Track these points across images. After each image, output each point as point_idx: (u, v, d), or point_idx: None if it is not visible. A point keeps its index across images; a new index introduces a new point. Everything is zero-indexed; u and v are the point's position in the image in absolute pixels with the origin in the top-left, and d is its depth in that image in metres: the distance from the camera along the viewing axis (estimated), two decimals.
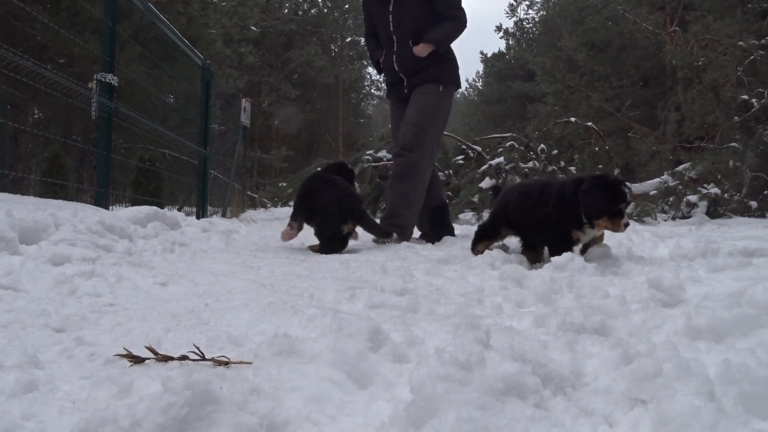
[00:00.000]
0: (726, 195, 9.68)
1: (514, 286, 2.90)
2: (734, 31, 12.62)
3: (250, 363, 1.61)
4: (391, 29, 5.48)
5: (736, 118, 10.75)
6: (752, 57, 11.17)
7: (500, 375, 1.25)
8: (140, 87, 9.78)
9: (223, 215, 10.13)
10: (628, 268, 3.08)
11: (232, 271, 3.54)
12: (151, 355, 1.63)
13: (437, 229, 5.56)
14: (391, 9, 5.45)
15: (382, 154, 11.75)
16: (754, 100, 10.75)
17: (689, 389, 1.24)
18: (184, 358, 1.62)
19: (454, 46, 5.61)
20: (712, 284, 2.44)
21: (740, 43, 11.63)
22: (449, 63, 5.51)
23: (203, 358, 1.61)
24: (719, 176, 9.86)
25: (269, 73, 33.31)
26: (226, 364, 1.59)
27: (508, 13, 38.71)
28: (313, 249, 4.91)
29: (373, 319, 1.89)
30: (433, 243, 5.19)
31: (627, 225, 3.28)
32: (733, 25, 12.75)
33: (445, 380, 1.22)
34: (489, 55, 42.19)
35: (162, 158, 10.85)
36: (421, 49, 5.33)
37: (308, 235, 5.15)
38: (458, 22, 5.36)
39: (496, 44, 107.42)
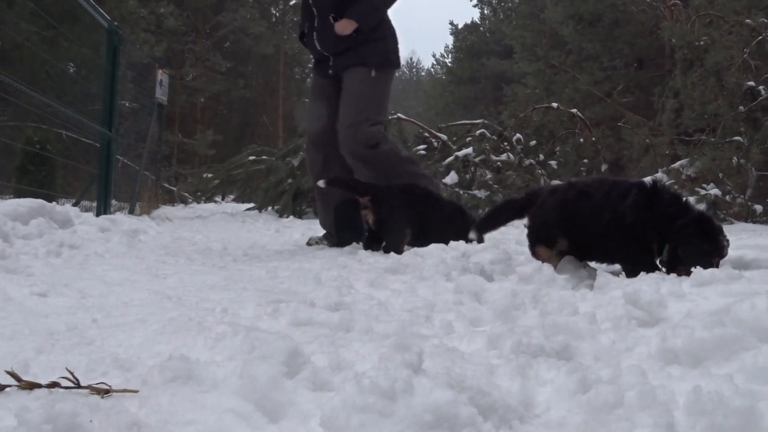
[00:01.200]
0: (728, 197, 9.95)
1: (471, 300, 2.93)
2: (741, 7, 12.99)
3: (136, 391, 1.58)
4: (310, 0, 5.47)
5: (741, 107, 11.06)
6: (761, 37, 11.52)
7: (430, 405, 1.26)
8: (30, 52, 9.57)
9: (131, 212, 9.99)
10: (605, 280, 3.14)
11: (131, 279, 3.49)
12: (14, 382, 1.59)
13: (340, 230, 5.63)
14: None
15: None
16: (761, 88, 11.08)
17: (648, 421, 1.27)
18: (54, 385, 1.59)
19: (394, 16, 5.60)
20: (696, 300, 2.50)
21: (747, 21, 11.97)
22: (382, 41, 5.51)
23: (78, 386, 1.58)
24: (721, 175, 10.14)
25: (194, 40, 32.94)
26: (106, 392, 1.56)
27: None
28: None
29: (293, 339, 1.89)
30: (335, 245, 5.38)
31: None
32: (741, 0, 13.12)
33: (363, 411, 1.22)
34: (460, 26, 42.57)
35: (56, 140, 10.63)
36: (343, 26, 5.32)
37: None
38: None
39: (469, 13, 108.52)
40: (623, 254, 3.51)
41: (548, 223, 3.69)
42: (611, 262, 3.66)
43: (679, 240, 3.30)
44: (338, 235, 5.55)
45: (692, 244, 3.26)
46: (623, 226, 3.39)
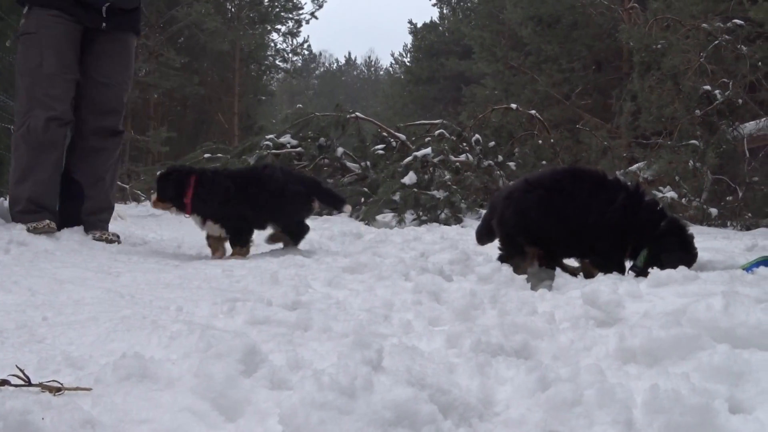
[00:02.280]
0: (684, 200, 10.16)
1: (430, 300, 2.95)
2: (698, 11, 13.26)
3: (89, 389, 1.57)
4: None
5: (697, 111, 11.30)
6: (716, 42, 11.78)
7: (390, 402, 1.27)
8: None
9: None
10: (564, 281, 3.19)
11: (83, 277, 3.44)
12: None
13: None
14: None
15: (286, 139, 11.71)
16: (717, 92, 11.33)
17: (606, 418, 1.29)
18: (3, 383, 1.57)
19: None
20: (653, 300, 2.55)
21: (704, 25, 12.24)
22: (139, 9, 5.61)
23: (28, 383, 1.56)
24: (677, 178, 10.34)
25: (147, 35, 32.50)
26: (58, 390, 1.54)
27: None
28: None
29: (250, 337, 1.88)
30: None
31: None
32: (698, 4, 13.37)
33: (322, 408, 1.23)
34: (419, 25, 42.71)
35: (4, 134, 10.40)
36: None
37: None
38: None
39: (428, 12, 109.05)
40: (601, 251, 3.57)
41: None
42: (583, 258, 3.72)
43: (662, 246, 3.37)
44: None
45: (676, 252, 3.34)
46: (608, 227, 3.46)
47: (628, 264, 3.54)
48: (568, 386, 1.47)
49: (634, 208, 3.44)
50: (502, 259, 3.65)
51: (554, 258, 3.73)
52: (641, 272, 3.37)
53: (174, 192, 4.87)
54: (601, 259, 3.53)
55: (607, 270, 3.36)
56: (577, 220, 3.46)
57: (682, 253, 3.37)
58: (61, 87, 4.99)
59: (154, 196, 4.99)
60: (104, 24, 5.19)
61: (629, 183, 3.63)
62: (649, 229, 3.43)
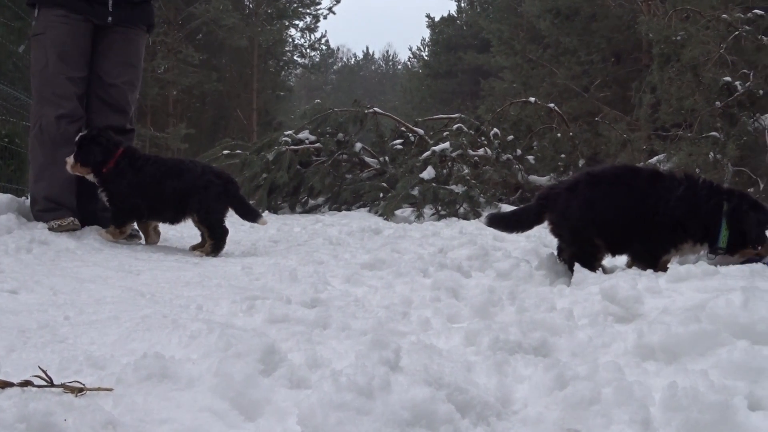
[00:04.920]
0: None
1: (448, 297, 2.95)
2: (718, 2, 13.12)
3: (110, 389, 1.59)
4: None
5: (718, 103, 11.20)
6: (737, 33, 11.66)
7: (407, 402, 1.28)
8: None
9: None
10: (582, 276, 3.18)
11: (104, 276, 3.47)
12: None
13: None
14: None
15: (304, 135, 11.72)
16: (737, 83, 11.23)
17: (624, 417, 1.29)
18: (26, 383, 1.58)
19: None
20: (672, 296, 2.54)
21: (724, 16, 12.11)
22: (150, 2, 5.55)
23: (51, 384, 1.58)
24: (697, 170, 10.26)
25: (166, 32, 32.65)
26: (80, 390, 1.56)
27: None
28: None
29: (269, 336, 1.90)
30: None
31: None
32: None
33: (340, 409, 1.24)
34: (437, 19, 42.58)
35: (25, 133, 10.49)
36: None
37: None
38: None
39: (446, 6, 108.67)
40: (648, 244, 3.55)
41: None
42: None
43: (737, 218, 3.38)
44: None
45: (751, 215, 3.37)
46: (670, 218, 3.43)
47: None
48: (586, 384, 1.47)
49: (695, 197, 3.45)
50: (574, 256, 3.50)
51: (615, 252, 3.70)
52: (729, 249, 3.40)
53: (101, 158, 4.78)
54: (645, 251, 3.53)
55: (643, 262, 3.37)
56: (641, 213, 3.46)
57: (758, 214, 3.38)
58: (66, 86, 5.00)
59: (71, 160, 4.79)
60: (110, 18, 5.18)
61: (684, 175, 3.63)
62: (716, 211, 3.43)
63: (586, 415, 1.38)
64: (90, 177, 4.88)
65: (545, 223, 3.68)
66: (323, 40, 41.32)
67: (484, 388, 1.56)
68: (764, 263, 3.19)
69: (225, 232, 4.96)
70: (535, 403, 1.52)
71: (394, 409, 1.26)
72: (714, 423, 1.34)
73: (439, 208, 9.84)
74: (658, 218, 3.40)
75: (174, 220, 5.11)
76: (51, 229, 4.68)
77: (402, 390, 1.31)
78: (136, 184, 4.81)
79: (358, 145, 11.71)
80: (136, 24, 5.40)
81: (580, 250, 3.47)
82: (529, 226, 3.87)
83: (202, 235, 5.03)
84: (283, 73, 41.13)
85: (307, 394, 1.33)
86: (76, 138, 4.83)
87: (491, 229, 4.12)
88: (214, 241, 4.88)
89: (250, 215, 5.28)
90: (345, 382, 1.30)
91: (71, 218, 4.85)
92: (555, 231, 3.64)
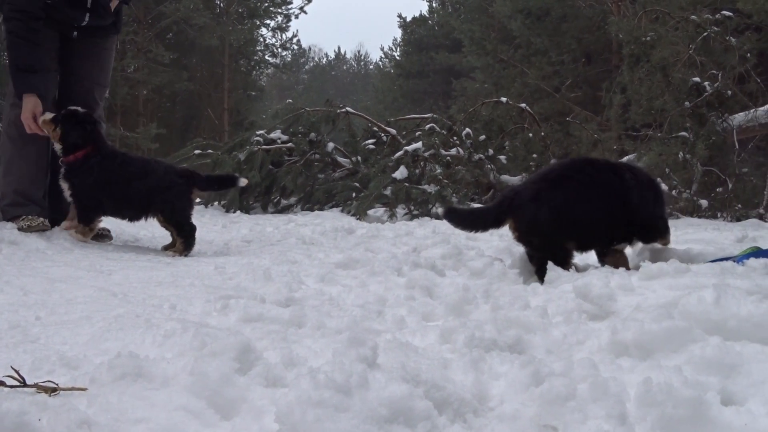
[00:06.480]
0: (674, 192, 10.19)
1: (423, 295, 2.97)
2: (687, 3, 13.28)
3: (84, 389, 1.57)
4: None
5: (687, 103, 11.32)
6: (705, 34, 11.80)
7: (385, 399, 1.28)
8: None
9: None
10: (556, 275, 3.20)
11: (75, 276, 3.44)
12: None
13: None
14: None
15: (276, 134, 11.68)
16: (706, 83, 11.35)
17: (600, 413, 1.30)
18: None
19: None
20: (645, 293, 2.57)
21: (693, 17, 12.25)
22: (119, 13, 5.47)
23: (23, 384, 1.56)
24: (667, 170, 10.37)
25: (136, 31, 32.36)
26: (54, 390, 1.55)
27: None
28: None
29: (244, 335, 1.89)
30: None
31: None
32: None
33: (318, 406, 1.24)
34: (408, 19, 42.65)
35: None
36: None
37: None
38: None
39: (417, 6, 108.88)
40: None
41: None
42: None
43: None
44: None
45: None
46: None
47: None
48: (562, 381, 1.48)
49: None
50: (540, 261, 3.49)
51: (585, 251, 3.71)
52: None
53: (76, 141, 4.74)
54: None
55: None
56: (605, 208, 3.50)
57: None
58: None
59: (48, 116, 4.71)
60: (75, 33, 5.13)
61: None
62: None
63: (562, 411, 1.39)
64: (57, 147, 4.83)
65: (506, 229, 3.62)
66: (295, 40, 41.28)
67: (461, 385, 1.56)
68: (735, 260, 3.24)
69: (193, 228, 4.94)
70: (511, 400, 1.53)
71: (372, 406, 1.27)
72: (688, 418, 1.36)
73: (412, 207, 9.86)
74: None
75: (135, 218, 5.11)
76: (20, 229, 4.63)
77: (380, 387, 1.32)
78: (102, 182, 4.77)
79: (331, 145, 11.70)
80: (104, 36, 5.37)
81: (553, 256, 3.44)
82: (485, 229, 3.83)
83: (172, 235, 4.99)
84: (254, 72, 40.92)
85: (284, 392, 1.32)
86: (69, 108, 4.83)
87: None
88: (183, 239, 4.86)
89: (228, 181, 5.46)
90: (323, 379, 1.30)
91: (41, 219, 4.80)
92: (522, 239, 3.58)
